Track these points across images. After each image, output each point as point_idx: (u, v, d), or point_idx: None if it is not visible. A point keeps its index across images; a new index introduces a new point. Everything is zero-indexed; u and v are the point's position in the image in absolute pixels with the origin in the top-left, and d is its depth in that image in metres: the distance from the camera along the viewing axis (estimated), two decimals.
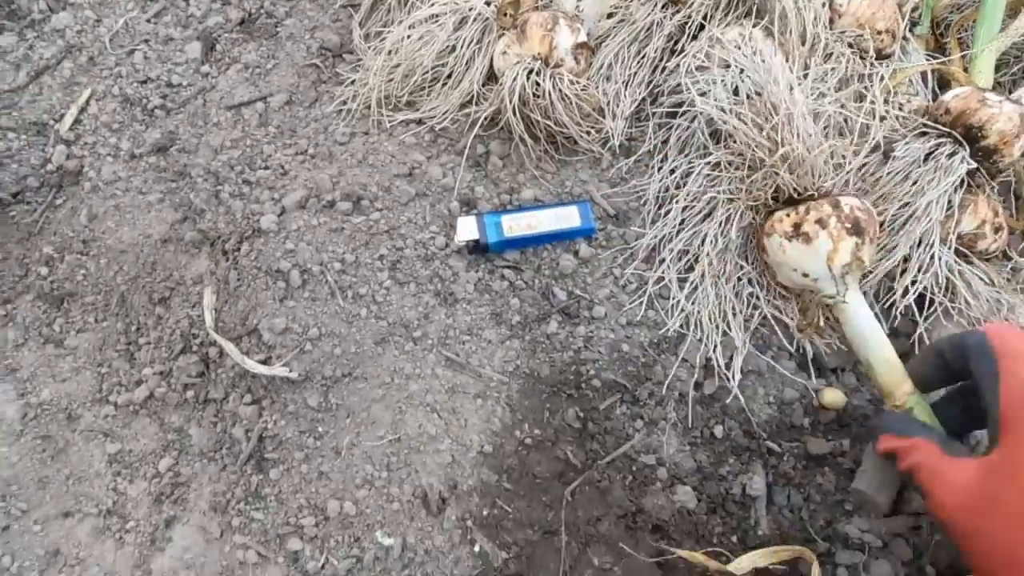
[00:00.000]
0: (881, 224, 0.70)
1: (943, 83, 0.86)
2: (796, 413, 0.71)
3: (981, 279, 0.72)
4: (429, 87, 0.78)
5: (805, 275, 0.66)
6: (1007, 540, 0.46)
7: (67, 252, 0.77)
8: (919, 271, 0.69)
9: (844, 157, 0.70)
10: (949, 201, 0.70)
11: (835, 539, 0.67)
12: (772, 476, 0.69)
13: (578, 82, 0.72)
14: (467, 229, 0.71)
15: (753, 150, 0.66)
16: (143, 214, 0.77)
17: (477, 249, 0.71)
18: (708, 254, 0.69)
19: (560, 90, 0.71)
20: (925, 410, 0.62)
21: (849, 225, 0.64)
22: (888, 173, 0.70)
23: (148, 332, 0.74)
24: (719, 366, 0.69)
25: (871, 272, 0.71)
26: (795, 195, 0.67)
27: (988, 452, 0.50)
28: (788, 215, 0.66)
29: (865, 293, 0.70)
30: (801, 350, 0.72)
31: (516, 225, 0.71)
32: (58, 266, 0.77)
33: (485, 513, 0.67)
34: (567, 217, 0.72)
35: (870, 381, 0.66)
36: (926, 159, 0.70)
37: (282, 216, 0.73)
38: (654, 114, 0.78)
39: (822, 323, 0.69)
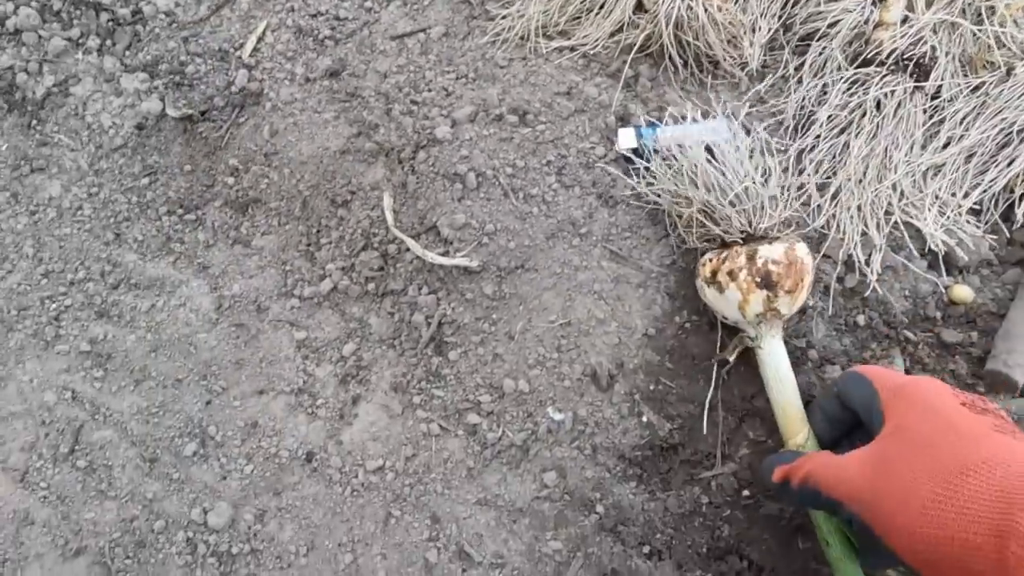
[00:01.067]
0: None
1: None
2: (929, 306, 0.77)
3: None
4: (583, 16, 0.85)
5: (725, 318, 0.71)
6: (900, 485, 0.48)
7: (251, 164, 0.84)
8: None
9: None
10: None
11: None
12: (909, 361, 0.75)
13: (727, 8, 0.79)
14: (627, 139, 0.78)
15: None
16: (320, 130, 0.84)
17: (634, 157, 0.78)
18: (852, 159, 0.76)
19: (711, 15, 0.79)
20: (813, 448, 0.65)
21: (759, 279, 0.66)
22: (1010, 87, 0.77)
23: (330, 232, 0.81)
24: (859, 261, 0.76)
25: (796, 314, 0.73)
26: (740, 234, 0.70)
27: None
28: (710, 260, 0.70)
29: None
30: (930, 249, 0.78)
31: (669, 137, 0.78)
32: (243, 176, 0.84)
33: (651, 388, 0.73)
34: (715, 131, 0.79)
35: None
36: None
37: (454, 128, 0.81)
38: (788, 42, 0.85)
39: (731, 359, 0.71)
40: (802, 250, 0.68)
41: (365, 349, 0.78)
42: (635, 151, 0.78)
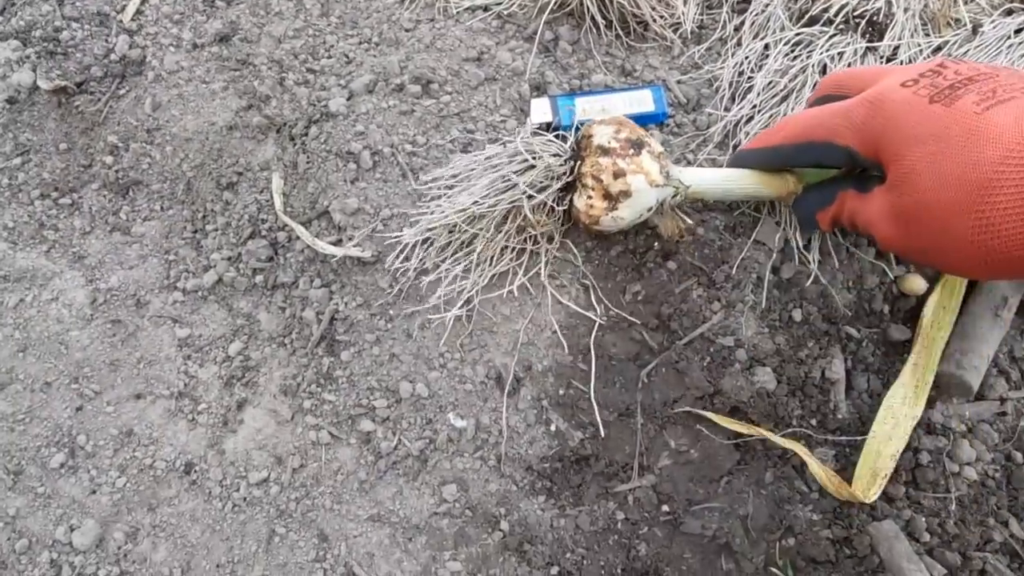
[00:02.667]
0: None
1: None
2: (876, 299, 0.69)
3: None
4: None
5: (649, 209, 0.62)
6: (925, 203, 0.45)
7: (132, 141, 0.76)
8: None
9: None
10: None
11: (919, 425, 0.66)
12: (851, 361, 0.68)
13: None
14: (541, 111, 0.69)
15: None
16: (207, 102, 0.76)
17: (549, 132, 0.70)
18: None
19: None
20: (816, 176, 0.62)
21: (631, 146, 0.59)
22: (976, 47, 0.67)
23: (215, 218, 0.73)
24: (798, 249, 0.67)
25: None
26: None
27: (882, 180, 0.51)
28: (587, 197, 0.61)
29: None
30: None
31: (590, 108, 0.69)
32: (123, 155, 0.76)
33: (561, 393, 0.66)
34: (640, 101, 0.71)
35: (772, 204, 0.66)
36: (1016, 33, 0.67)
37: (351, 100, 0.72)
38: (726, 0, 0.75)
39: (684, 223, 0.65)
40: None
41: (253, 348, 0.71)
42: (549, 125, 0.69)
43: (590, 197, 0.61)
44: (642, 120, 0.71)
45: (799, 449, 0.62)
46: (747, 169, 0.63)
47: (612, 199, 0.60)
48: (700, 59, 0.75)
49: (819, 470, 0.62)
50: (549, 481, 0.66)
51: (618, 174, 0.59)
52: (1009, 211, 0.40)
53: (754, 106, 0.70)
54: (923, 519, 0.63)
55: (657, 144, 0.62)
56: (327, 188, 0.70)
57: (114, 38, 0.78)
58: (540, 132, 0.66)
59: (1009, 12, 0.69)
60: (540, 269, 0.67)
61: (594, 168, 0.60)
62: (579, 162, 0.62)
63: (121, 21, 0.79)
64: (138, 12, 0.79)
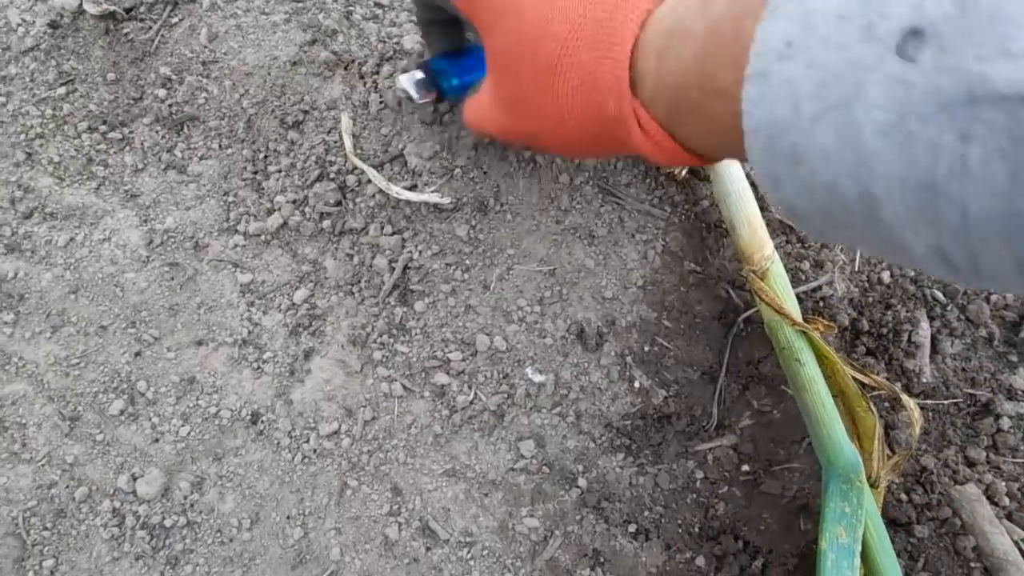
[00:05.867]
0: None
1: None
2: None
3: None
4: None
5: None
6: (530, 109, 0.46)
7: (186, 73, 0.72)
8: None
9: None
10: None
11: (999, 390, 0.65)
12: (937, 325, 0.67)
13: None
14: None
15: None
16: (268, 35, 0.71)
17: None
18: None
19: None
20: (781, 275, 0.60)
21: None
22: None
23: (279, 159, 0.69)
24: None
25: None
26: None
27: None
28: None
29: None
30: None
31: None
32: (177, 88, 0.72)
33: (645, 350, 0.64)
34: None
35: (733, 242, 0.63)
36: None
37: None
38: None
39: (681, 175, 0.65)
40: None
41: (319, 296, 0.68)
42: None
43: None
44: None
45: (906, 399, 0.60)
46: (754, 205, 0.62)
47: None
48: None
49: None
50: (628, 439, 0.64)
51: None
52: (571, 92, 0.41)
53: None
54: (1003, 483, 0.63)
55: None
56: (402, 131, 0.67)
57: None
58: None
59: None
60: (625, 221, 0.64)
61: None
62: None
63: None
64: None
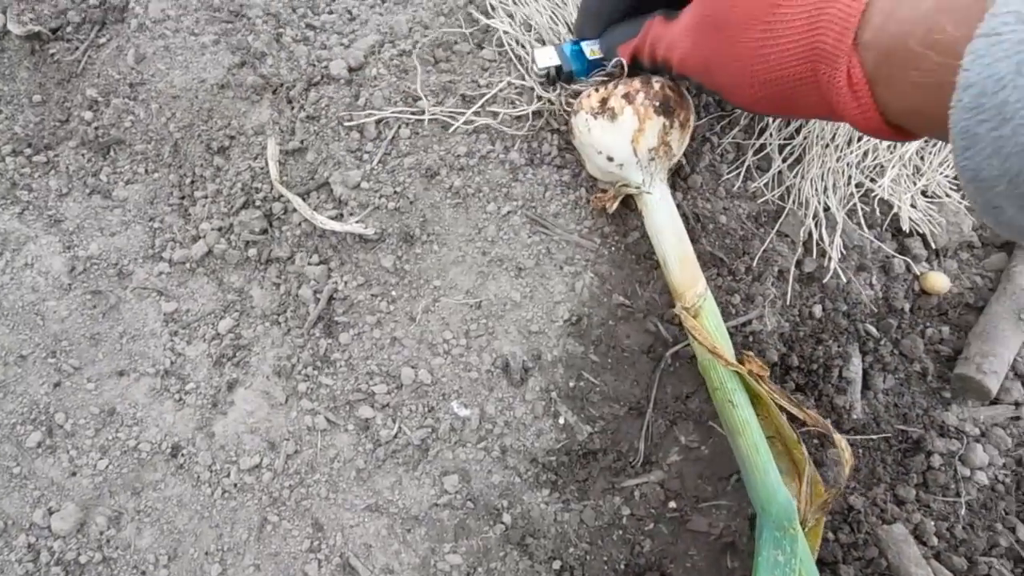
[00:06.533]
0: None
1: None
2: (897, 296, 0.67)
3: None
4: None
5: (611, 159, 0.60)
6: (726, 39, 0.46)
7: (113, 96, 0.70)
8: None
9: None
10: None
11: (931, 427, 0.65)
12: (869, 360, 0.66)
13: None
14: (546, 56, 0.63)
15: None
16: (196, 56, 0.70)
17: (560, 79, 0.64)
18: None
19: None
20: (714, 312, 0.59)
21: (658, 103, 0.58)
22: None
23: (205, 185, 0.68)
24: (822, 242, 0.65)
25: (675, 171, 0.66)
26: None
27: None
28: (596, 90, 0.60)
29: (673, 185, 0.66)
30: (903, 228, 0.68)
31: (598, 49, 0.64)
32: (103, 111, 0.70)
33: (571, 385, 0.63)
34: None
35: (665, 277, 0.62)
36: None
37: (354, 62, 0.67)
38: None
39: (612, 208, 0.63)
40: (683, 89, 0.62)
41: (245, 325, 0.67)
42: (559, 70, 0.63)
43: (595, 92, 0.60)
44: None
45: (838, 437, 0.59)
46: (687, 243, 0.61)
47: (602, 107, 0.59)
48: None
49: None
50: (554, 474, 0.64)
51: (627, 100, 0.58)
52: (790, 23, 0.41)
53: None
54: (932, 523, 0.62)
55: (679, 137, 0.59)
56: (328, 158, 0.65)
57: None
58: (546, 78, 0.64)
59: None
60: (553, 252, 0.63)
61: (623, 83, 0.59)
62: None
63: None
64: None
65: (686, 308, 0.59)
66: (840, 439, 0.56)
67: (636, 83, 0.58)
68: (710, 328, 0.59)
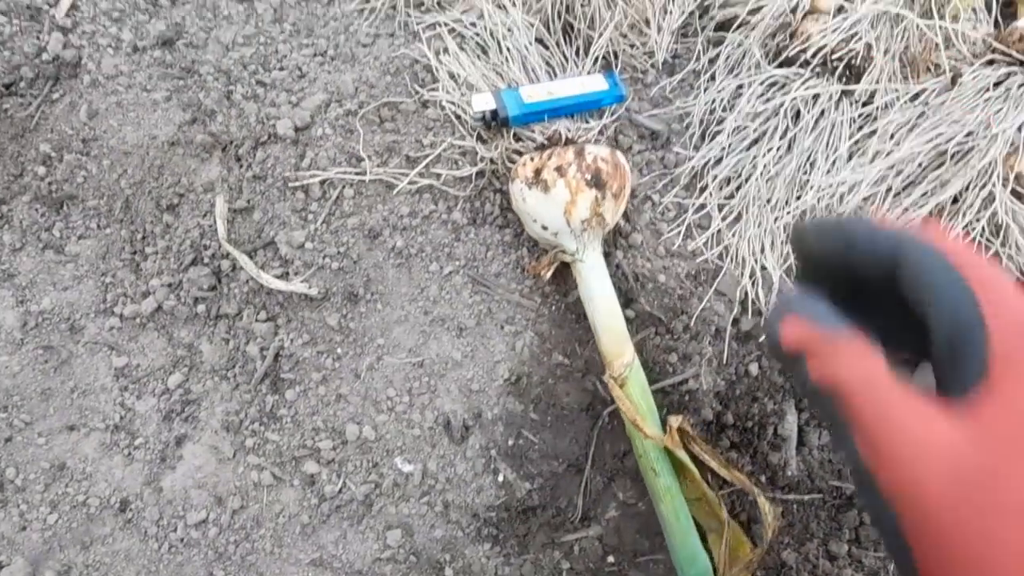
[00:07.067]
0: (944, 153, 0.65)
1: (1008, 12, 0.80)
2: None
3: None
4: None
5: (545, 228, 0.61)
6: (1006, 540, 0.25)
7: (66, 151, 0.71)
8: (976, 210, 0.66)
9: None
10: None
11: None
12: (804, 417, 0.67)
13: None
14: (483, 100, 0.64)
15: None
16: (148, 113, 0.71)
17: (496, 123, 0.65)
18: (756, 180, 0.65)
19: None
20: (640, 382, 0.60)
21: (589, 176, 0.59)
22: (954, 98, 0.65)
23: (155, 241, 0.69)
24: (758, 301, 0.66)
25: (614, 230, 0.67)
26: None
27: (962, 396, 0.27)
28: (531, 159, 0.61)
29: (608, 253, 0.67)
30: None
31: (536, 93, 0.65)
32: (56, 166, 0.71)
33: (510, 443, 0.64)
34: (593, 83, 0.66)
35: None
36: (995, 87, 0.65)
37: (301, 122, 0.68)
38: (703, 28, 0.72)
39: (548, 275, 0.65)
40: (621, 156, 0.63)
41: (194, 380, 0.68)
42: (495, 114, 0.64)
43: (529, 162, 0.61)
44: (596, 99, 0.66)
45: (762, 501, 0.60)
46: (618, 312, 0.62)
47: (536, 178, 0.60)
48: (672, 93, 0.72)
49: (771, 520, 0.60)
50: (495, 529, 0.65)
51: (560, 173, 0.59)
52: None
53: (723, 148, 0.67)
54: None
55: (612, 207, 0.60)
56: (273, 218, 0.66)
57: (47, 36, 0.72)
58: (482, 122, 0.65)
59: (990, 63, 0.67)
60: (494, 312, 0.64)
61: (556, 155, 0.60)
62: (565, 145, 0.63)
63: (54, 17, 0.73)
64: (73, 7, 0.73)
65: (613, 377, 0.60)
66: (764, 502, 0.57)
67: (569, 155, 0.59)
68: (635, 398, 0.60)
